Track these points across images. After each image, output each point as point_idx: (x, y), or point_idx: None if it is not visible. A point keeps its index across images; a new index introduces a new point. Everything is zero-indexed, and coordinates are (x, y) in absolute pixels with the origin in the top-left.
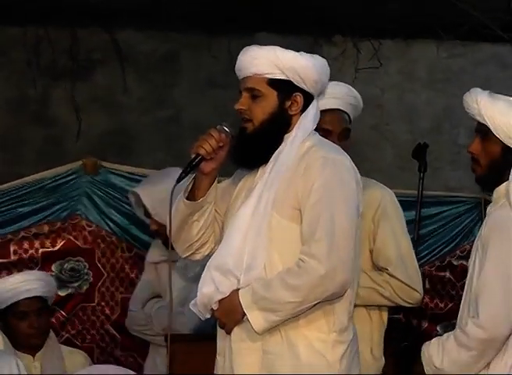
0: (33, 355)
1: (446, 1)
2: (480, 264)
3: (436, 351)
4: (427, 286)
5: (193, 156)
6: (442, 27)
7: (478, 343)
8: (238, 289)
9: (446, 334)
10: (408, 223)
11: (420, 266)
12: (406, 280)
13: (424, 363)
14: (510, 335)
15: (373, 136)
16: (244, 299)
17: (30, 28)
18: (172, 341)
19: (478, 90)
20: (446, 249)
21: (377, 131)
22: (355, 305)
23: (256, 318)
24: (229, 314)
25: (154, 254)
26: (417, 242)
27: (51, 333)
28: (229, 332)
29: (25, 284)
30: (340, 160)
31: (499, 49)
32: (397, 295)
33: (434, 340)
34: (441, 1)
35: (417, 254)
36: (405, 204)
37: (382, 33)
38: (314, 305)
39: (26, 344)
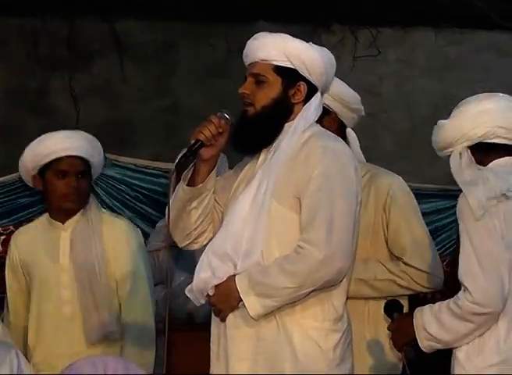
0: (63, 222)
1: None
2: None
3: (430, 320)
4: None
5: (192, 142)
6: (440, 15)
7: (476, 317)
8: (235, 275)
9: (437, 305)
10: None
11: None
12: (423, 266)
13: (415, 327)
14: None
15: (371, 124)
16: (241, 284)
17: (29, 19)
18: (170, 329)
19: None
20: None
21: (375, 119)
22: (376, 298)
23: (252, 303)
24: (224, 299)
25: (154, 242)
26: None
27: (92, 201)
28: (223, 319)
29: (69, 141)
30: (340, 149)
31: (497, 37)
32: (416, 283)
33: (427, 307)
34: None
35: None
36: None
37: (380, 21)
38: (311, 291)
39: (61, 207)
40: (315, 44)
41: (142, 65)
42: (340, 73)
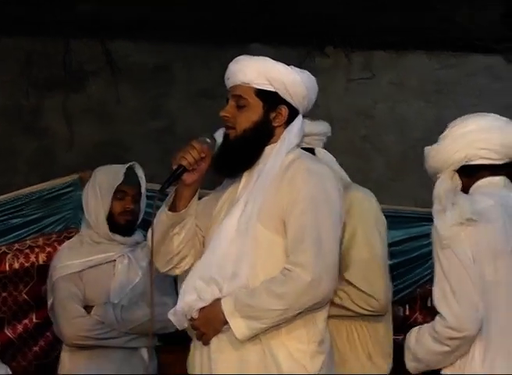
0: None
1: (438, 13)
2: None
3: (414, 342)
4: (428, 304)
5: (175, 167)
6: (433, 39)
7: (451, 341)
8: (220, 298)
9: (422, 327)
10: (403, 241)
11: (422, 284)
12: (363, 286)
13: (405, 350)
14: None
15: (364, 146)
16: (227, 307)
17: (23, 39)
18: None
19: None
20: None
21: (368, 142)
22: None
23: (238, 325)
24: (209, 322)
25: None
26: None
27: None
28: (206, 343)
29: None
30: (324, 171)
31: (490, 61)
32: (353, 302)
33: (415, 329)
34: (433, 13)
35: (421, 272)
36: (397, 220)
37: (374, 44)
38: (298, 314)
39: None
40: (309, 66)
41: (137, 86)
42: (334, 96)
